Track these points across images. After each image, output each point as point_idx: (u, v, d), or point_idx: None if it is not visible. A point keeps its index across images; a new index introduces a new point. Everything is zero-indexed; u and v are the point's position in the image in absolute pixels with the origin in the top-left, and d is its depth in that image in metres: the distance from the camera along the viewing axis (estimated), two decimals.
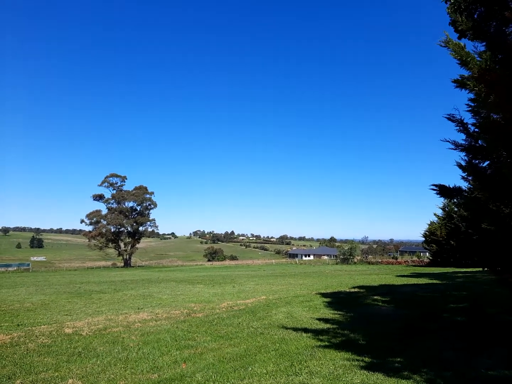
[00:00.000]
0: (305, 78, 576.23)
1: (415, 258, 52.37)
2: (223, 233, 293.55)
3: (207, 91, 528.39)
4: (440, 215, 39.17)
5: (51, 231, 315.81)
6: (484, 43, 5.30)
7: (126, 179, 71.36)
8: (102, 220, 67.79)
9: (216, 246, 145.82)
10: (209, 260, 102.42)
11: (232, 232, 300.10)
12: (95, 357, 5.95)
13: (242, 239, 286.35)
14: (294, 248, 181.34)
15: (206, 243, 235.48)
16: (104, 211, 69.32)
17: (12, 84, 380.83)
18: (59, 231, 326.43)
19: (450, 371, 4.89)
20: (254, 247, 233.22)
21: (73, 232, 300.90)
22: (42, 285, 20.70)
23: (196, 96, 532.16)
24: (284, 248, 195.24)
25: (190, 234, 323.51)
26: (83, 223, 68.23)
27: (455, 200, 6.52)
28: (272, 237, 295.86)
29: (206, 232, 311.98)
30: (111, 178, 70.10)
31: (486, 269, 16.92)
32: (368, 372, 4.90)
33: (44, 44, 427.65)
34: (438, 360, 5.39)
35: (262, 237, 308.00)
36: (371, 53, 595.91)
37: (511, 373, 4.71)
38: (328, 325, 7.93)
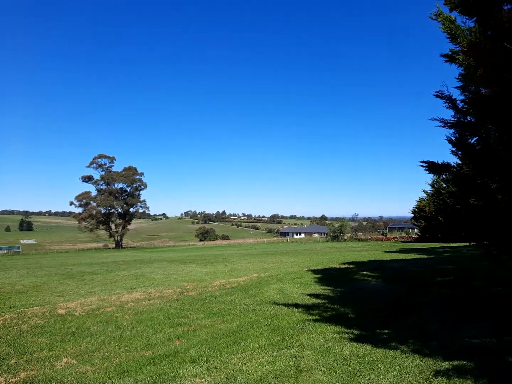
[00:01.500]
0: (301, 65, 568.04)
1: (403, 234, 53.33)
2: (214, 213, 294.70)
3: (196, 70, 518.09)
4: (429, 191, 39.66)
5: (40, 213, 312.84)
6: (474, 19, 5.25)
7: (115, 160, 70.48)
8: (91, 202, 67.23)
9: (207, 226, 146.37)
10: (201, 240, 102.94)
11: (224, 212, 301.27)
12: (89, 336, 6.00)
13: (234, 219, 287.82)
14: (285, 226, 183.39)
15: (197, 223, 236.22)
16: (94, 193, 68.71)
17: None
18: (49, 213, 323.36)
19: (436, 341, 5.07)
20: (245, 227, 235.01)
21: (63, 214, 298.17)
22: (33, 267, 20.62)
23: (185, 74, 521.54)
24: (276, 226, 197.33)
25: (182, 214, 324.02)
26: (73, 205, 67.64)
27: (443, 176, 6.61)
28: (263, 216, 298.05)
29: (197, 213, 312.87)
30: (99, 159, 69.09)
31: (472, 243, 17.35)
32: (357, 344, 5.06)
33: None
34: (425, 331, 5.58)
35: (253, 216, 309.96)
36: (360, 28, 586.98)
37: (493, 340, 4.91)
38: (318, 301, 8.11)
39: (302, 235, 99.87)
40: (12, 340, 5.85)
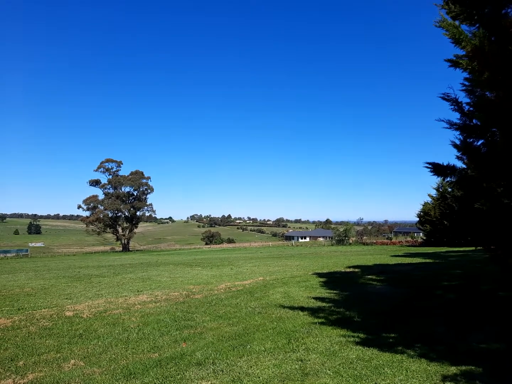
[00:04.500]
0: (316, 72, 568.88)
1: (409, 239, 53.02)
2: (220, 216, 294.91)
3: (204, 77, 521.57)
4: (434, 195, 39.41)
5: (48, 217, 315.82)
6: (477, 25, 5.26)
7: (122, 164, 71.12)
8: (99, 206, 67.75)
9: (213, 230, 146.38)
10: (206, 244, 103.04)
11: (229, 216, 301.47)
12: (96, 338, 6.05)
13: (239, 223, 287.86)
14: (290, 230, 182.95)
15: (203, 227, 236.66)
16: (101, 197, 69.31)
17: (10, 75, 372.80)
18: (57, 217, 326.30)
19: (443, 345, 5.04)
20: (251, 230, 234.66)
21: (71, 218, 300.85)
22: (41, 270, 20.81)
23: (192, 80, 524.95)
24: (281, 230, 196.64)
25: (187, 218, 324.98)
26: (80, 209, 68.34)
27: (448, 178, 6.56)
28: (268, 220, 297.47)
29: (203, 216, 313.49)
30: (106, 163, 69.70)
31: (478, 247, 17.18)
32: (363, 348, 5.04)
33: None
34: (431, 335, 5.54)
35: (258, 220, 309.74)
36: (369, 32, 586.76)
37: (502, 346, 4.87)
38: (324, 304, 8.09)
39: (307, 239, 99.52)
40: (20, 342, 5.92)
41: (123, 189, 69.90)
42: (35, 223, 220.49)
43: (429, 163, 6.37)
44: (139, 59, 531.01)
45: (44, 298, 9.96)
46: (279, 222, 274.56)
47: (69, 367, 4.79)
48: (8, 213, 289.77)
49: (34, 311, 8.22)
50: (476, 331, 5.60)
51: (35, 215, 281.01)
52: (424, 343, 5.16)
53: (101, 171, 69.51)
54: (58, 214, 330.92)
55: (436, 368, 4.26)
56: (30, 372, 4.62)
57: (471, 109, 5.78)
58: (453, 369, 4.22)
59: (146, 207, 71.87)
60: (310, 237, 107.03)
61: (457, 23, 5.34)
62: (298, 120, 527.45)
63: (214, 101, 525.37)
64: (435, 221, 37.84)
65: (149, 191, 71.69)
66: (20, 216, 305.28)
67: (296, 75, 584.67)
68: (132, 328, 6.61)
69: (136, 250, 72.12)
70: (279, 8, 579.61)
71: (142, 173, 71.34)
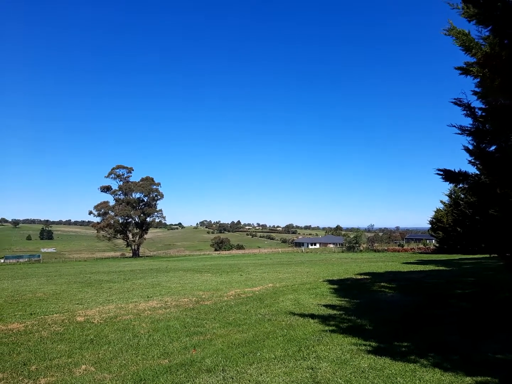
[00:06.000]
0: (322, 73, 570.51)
1: (421, 246, 52.25)
2: (229, 222, 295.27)
3: (212, 79, 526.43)
4: (447, 202, 38.90)
5: (60, 223, 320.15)
6: (489, 28, 5.21)
7: (133, 170, 71.98)
8: (110, 212, 68.51)
9: (222, 236, 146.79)
10: (216, 250, 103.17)
11: (239, 222, 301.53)
12: (106, 344, 6.08)
13: (249, 229, 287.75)
14: (300, 237, 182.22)
15: (212, 233, 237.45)
16: (112, 203, 70.15)
17: (16, 77, 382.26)
18: (68, 222, 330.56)
19: (457, 355, 4.93)
20: (260, 236, 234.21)
21: (82, 223, 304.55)
22: (53, 275, 21.04)
23: (202, 84, 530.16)
24: (290, 237, 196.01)
25: (197, 224, 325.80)
26: (92, 215, 69.20)
27: (461, 185, 6.47)
28: (278, 226, 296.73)
29: (212, 222, 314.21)
30: (117, 170, 70.60)
31: (493, 255, 16.86)
32: (375, 357, 4.96)
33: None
34: (445, 344, 5.43)
35: (268, 226, 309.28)
36: (378, 37, 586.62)
37: None
38: (334, 311, 8.01)
39: (317, 246, 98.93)
40: (33, 346, 5.98)
41: (133, 195, 70.64)
42: (47, 228, 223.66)
43: (441, 170, 6.29)
44: (139, 59, 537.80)
45: (55, 303, 10.05)
46: (289, 229, 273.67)
47: (80, 372, 4.82)
48: (21, 218, 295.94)
49: (46, 316, 8.31)
50: (491, 341, 5.48)
51: (47, 220, 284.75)
52: (438, 352, 5.06)
53: (112, 177, 70.47)
54: (70, 220, 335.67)
55: (451, 378, 4.17)
56: (42, 377, 4.66)
57: (484, 114, 5.71)
58: (468, 380, 4.12)
59: (156, 213, 72.51)
60: (320, 243, 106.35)
61: (466, 30, 5.30)
62: (306, 126, 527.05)
63: (223, 104, 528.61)
64: (447, 228, 37.31)
65: (159, 197, 72.36)
66: (33, 221, 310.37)
67: (300, 78, 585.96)
68: (142, 334, 6.63)
69: (146, 256, 72.53)
70: (279, 8, 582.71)
71: (152, 179, 72.06)
